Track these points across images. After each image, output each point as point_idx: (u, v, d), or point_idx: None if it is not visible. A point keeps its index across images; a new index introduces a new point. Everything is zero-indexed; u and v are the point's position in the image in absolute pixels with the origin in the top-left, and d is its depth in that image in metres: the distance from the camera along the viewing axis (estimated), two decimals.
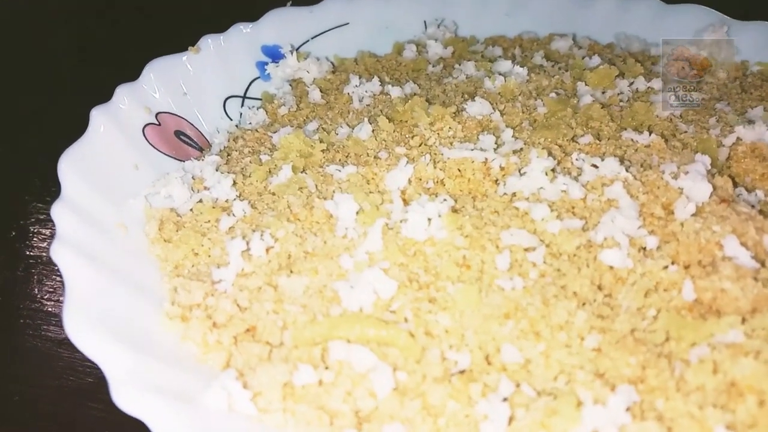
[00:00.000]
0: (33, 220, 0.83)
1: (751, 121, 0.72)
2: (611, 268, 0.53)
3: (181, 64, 0.82)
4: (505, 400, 0.46)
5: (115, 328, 0.48)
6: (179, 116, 0.79)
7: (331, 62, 0.93)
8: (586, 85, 0.77)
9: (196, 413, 0.44)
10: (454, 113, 0.72)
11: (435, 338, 0.50)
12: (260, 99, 0.88)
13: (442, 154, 0.65)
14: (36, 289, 0.73)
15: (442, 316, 0.51)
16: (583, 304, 0.51)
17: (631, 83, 0.78)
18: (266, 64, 0.90)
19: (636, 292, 0.51)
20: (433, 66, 0.89)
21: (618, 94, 0.77)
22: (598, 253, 0.54)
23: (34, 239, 0.80)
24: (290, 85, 0.89)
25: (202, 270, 0.59)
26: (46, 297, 0.72)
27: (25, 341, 0.67)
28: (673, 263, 0.53)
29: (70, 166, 0.62)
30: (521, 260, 0.54)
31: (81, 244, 0.55)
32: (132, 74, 0.78)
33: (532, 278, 0.53)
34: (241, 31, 0.90)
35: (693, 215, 0.56)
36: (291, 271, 0.56)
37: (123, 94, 0.74)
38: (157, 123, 0.76)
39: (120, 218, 0.62)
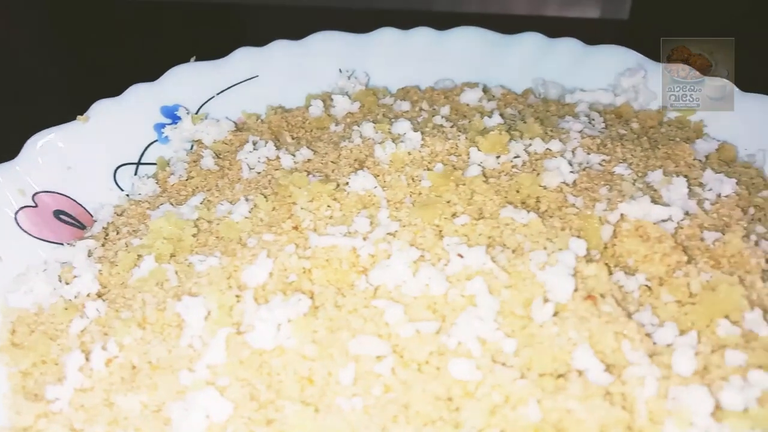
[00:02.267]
0: None
1: (651, 188, 0.69)
2: (461, 381, 0.50)
3: (67, 136, 0.79)
4: None
5: None
6: (60, 194, 0.76)
7: (234, 122, 0.90)
8: (479, 150, 0.74)
9: None
10: (335, 189, 0.69)
11: None
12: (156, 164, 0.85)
13: (310, 241, 0.62)
14: None
15: None
16: (425, 424, 0.48)
17: (529, 145, 0.75)
18: (164, 125, 0.87)
19: (481, 410, 0.48)
20: (336, 125, 0.86)
21: (514, 158, 0.74)
22: (449, 362, 0.51)
23: None
24: (191, 147, 0.86)
25: (49, 380, 0.56)
26: None
27: None
28: (527, 373, 0.50)
29: None
30: (367, 373, 0.51)
31: None
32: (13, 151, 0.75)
33: (375, 395, 0.50)
34: (139, 92, 0.87)
35: (554, 316, 0.53)
36: (132, 386, 0.54)
37: None
38: (33, 205, 0.73)
39: None
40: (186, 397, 0.51)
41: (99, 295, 0.64)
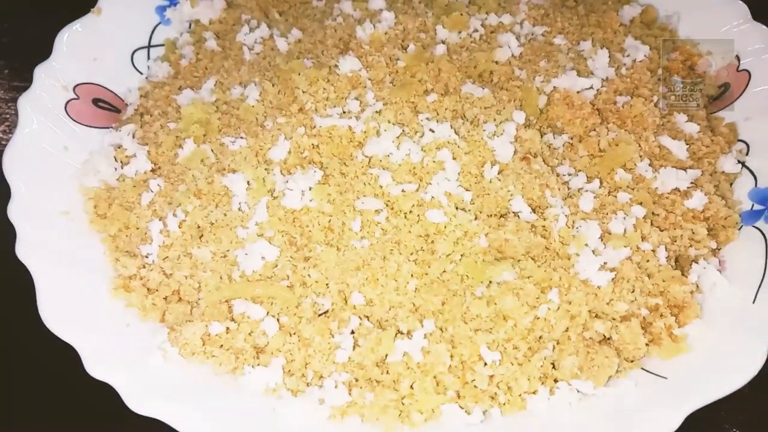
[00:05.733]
0: None
1: (581, 56, 0.86)
2: (435, 223, 0.73)
3: (86, 28, 0.90)
4: (352, 332, 0.69)
5: (80, 311, 0.69)
6: (93, 83, 0.90)
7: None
8: (444, 27, 0.88)
9: (145, 371, 0.66)
10: (328, 73, 0.84)
11: (308, 288, 0.71)
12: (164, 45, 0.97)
13: (315, 122, 0.80)
14: None
15: (312, 271, 0.72)
16: (411, 253, 0.72)
17: (485, 19, 0.89)
18: (165, 8, 0.98)
19: (448, 242, 0.71)
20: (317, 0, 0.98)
21: (472, 32, 0.89)
22: (426, 211, 0.73)
23: None
24: (190, 27, 0.98)
25: (135, 241, 0.77)
26: None
27: None
28: (479, 215, 0.73)
29: (12, 165, 0.77)
30: (370, 222, 0.73)
31: (40, 242, 0.72)
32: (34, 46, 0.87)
33: (377, 237, 0.72)
34: None
35: (498, 173, 0.74)
36: (201, 241, 0.75)
37: (41, 75, 0.85)
38: (75, 97, 0.88)
39: (63, 205, 0.78)
40: (245, 246, 0.73)
41: (152, 171, 0.82)
